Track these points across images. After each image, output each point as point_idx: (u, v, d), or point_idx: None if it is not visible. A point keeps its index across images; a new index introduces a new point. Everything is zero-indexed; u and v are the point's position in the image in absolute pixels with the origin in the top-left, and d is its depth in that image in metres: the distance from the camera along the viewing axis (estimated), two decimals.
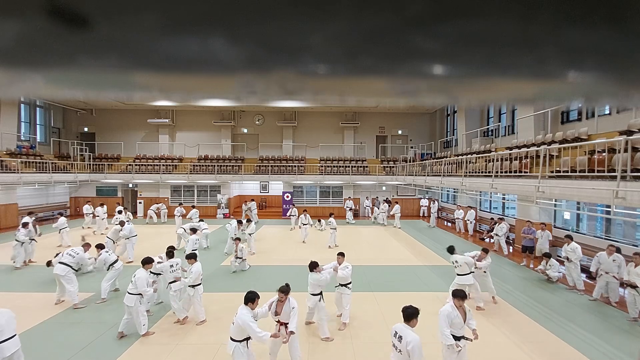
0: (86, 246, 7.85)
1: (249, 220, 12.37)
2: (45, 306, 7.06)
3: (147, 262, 6.29)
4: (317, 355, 5.39)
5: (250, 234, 11.84)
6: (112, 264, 7.53)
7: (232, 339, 4.35)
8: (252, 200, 19.64)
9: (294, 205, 18.35)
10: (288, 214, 17.42)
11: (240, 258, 9.65)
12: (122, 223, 11.04)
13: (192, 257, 6.63)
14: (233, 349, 4.27)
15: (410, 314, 4.14)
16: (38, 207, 18.23)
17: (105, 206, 16.19)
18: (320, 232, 15.55)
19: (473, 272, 7.18)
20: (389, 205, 19.01)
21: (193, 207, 16.42)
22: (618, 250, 7.82)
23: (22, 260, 9.94)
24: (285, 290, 4.83)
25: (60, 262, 7.09)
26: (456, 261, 7.18)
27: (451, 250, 7.38)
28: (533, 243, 10.65)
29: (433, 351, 5.47)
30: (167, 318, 6.62)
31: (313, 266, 6.12)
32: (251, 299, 4.48)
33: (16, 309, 6.96)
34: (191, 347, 5.55)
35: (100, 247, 7.82)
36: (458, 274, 7.15)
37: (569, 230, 11.43)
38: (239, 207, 20.87)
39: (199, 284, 6.50)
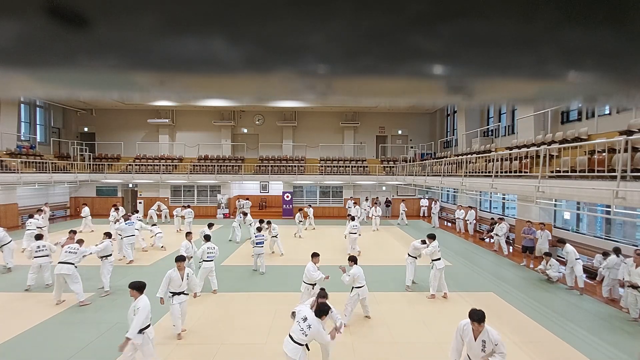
0: (80, 242, 7.84)
1: (269, 222, 11.96)
2: (45, 306, 7.06)
3: (179, 260, 6.00)
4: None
5: (274, 237, 11.66)
6: (106, 256, 7.88)
7: (298, 342, 4.23)
8: (247, 199, 19.65)
9: (300, 209, 16.04)
10: (298, 221, 15.23)
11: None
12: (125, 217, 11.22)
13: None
14: (300, 353, 4.19)
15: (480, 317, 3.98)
16: (38, 207, 18.20)
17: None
18: (322, 232, 15.57)
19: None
20: (388, 206, 19.01)
21: (188, 206, 16.32)
22: (618, 251, 7.83)
23: None
24: (324, 295, 4.94)
25: (62, 262, 7.08)
26: (437, 246, 7.92)
27: (433, 236, 8.17)
28: (533, 243, 10.65)
29: (433, 350, 5.48)
30: (167, 317, 6.62)
31: (313, 255, 6.88)
32: (325, 312, 4.43)
33: (16, 309, 6.99)
34: (191, 347, 5.55)
35: (107, 235, 8.47)
36: (434, 259, 7.80)
37: (569, 230, 11.44)
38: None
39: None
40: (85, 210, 15.98)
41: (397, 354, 5.41)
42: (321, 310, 4.39)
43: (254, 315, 6.78)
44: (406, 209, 19.01)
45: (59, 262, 7.12)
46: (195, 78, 0.34)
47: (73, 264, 7.18)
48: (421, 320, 6.66)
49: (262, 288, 8.38)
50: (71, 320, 6.51)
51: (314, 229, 16.65)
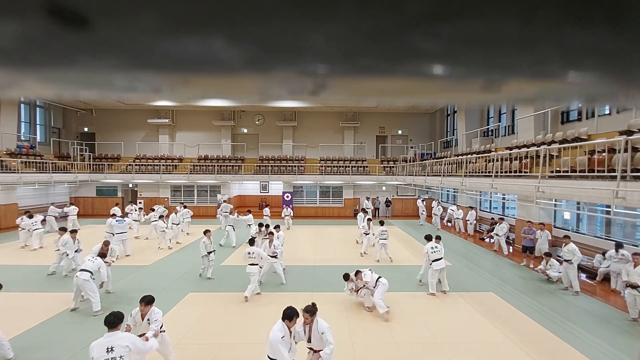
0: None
1: (277, 227, 11.23)
2: (46, 306, 7.06)
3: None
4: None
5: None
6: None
7: (271, 358, 3.78)
8: (225, 202, 19.64)
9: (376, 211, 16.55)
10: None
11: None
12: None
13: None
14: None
15: None
16: (38, 207, 18.20)
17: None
18: (322, 233, 15.56)
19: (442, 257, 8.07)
20: (388, 206, 18.97)
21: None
22: (620, 246, 7.89)
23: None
24: (310, 310, 4.08)
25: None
26: (436, 246, 8.00)
27: (429, 238, 8.34)
28: (533, 243, 10.65)
29: (433, 350, 5.48)
30: (167, 317, 6.62)
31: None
32: (289, 316, 3.87)
33: (16, 309, 6.98)
34: (191, 347, 5.55)
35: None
36: (434, 260, 7.87)
37: (569, 230, 11.43)
38: (237, 207, 20.84)
39: None
40: (116, 210, 15.51)
41: (397, 354, 5.41)
42: (286, 314, 3.94)
43: (254, 315, 6.78)
44: (425, 211, 18.94)
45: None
46: (196, 78, 0.34)
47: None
48: (421, 320, 6.66)
49: (262, 288, 8.38)
50: (71, 320, 6.51)
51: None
